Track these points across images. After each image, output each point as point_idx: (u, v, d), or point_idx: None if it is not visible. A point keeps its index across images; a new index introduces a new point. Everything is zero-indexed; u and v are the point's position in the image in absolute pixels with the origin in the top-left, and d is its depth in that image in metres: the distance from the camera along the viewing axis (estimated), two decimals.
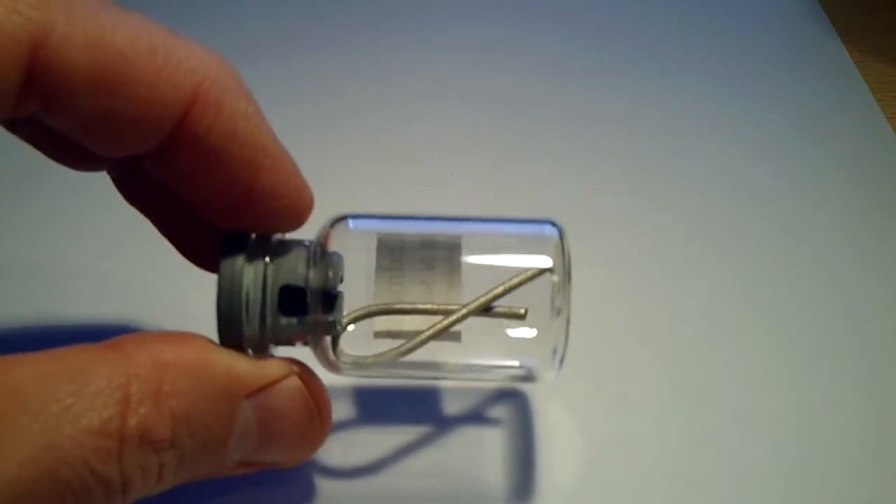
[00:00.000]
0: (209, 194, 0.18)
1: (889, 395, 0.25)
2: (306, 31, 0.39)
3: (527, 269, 0.20)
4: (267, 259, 0.18)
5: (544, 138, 0.34)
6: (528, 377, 0.21)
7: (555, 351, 0.20)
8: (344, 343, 0.19)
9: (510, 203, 0.31)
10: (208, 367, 0.16)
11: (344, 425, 0.23)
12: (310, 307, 0.18)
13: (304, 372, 0.18)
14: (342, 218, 0.20)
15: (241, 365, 0.17)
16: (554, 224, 0.21)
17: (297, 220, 0.18)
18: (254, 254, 0.18)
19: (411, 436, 0.23)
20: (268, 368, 0.17)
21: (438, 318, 0.19)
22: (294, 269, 0.18)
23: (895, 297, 0.28)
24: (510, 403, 0.24)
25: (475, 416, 0.24)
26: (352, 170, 0.32)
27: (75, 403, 0.14)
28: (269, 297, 0.18)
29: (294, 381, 0.17)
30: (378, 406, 0.24)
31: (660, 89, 0.37)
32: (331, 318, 0.18)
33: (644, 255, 0.29)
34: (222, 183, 0.17)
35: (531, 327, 0.20)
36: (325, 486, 0.22)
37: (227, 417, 0.16)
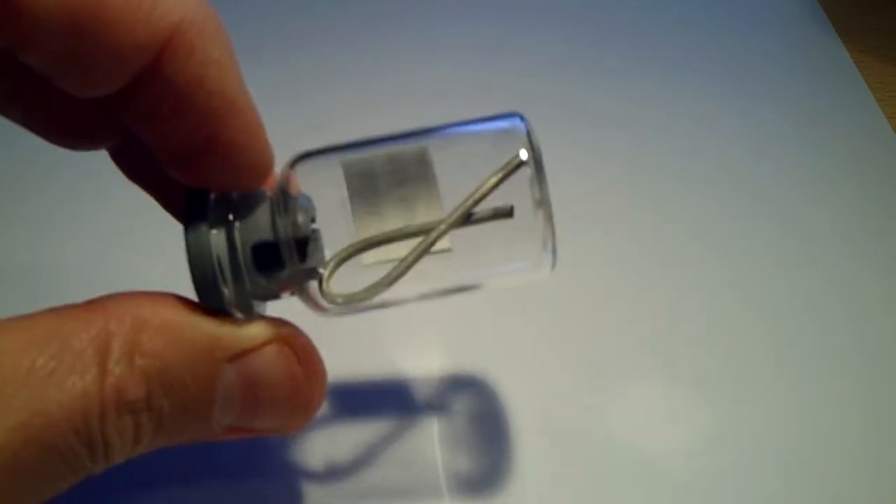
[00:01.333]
0: (170, 141, 0.17)
1: (889, 395, 0.25)
2: (306, 31, 0.39)
3: (501, 167, 0.19)
4: (231, 217, 0.17)
5: (544, 138, 0.34)
6: (524, 275, 0.21)
7: (544, 243, 0.19)
8: (333, 281, 0.18)
9: (507, 200, 0.31)
10: (188, 328, 0.15)
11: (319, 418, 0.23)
12: (285, 259, 0.17)
13: (292, 335, 0.17)
14: (301, 157, 0.19)
15: (222, 328, 0.16)
16: (521, 117, 0.20)
17: (257, 179, 0.18)
18: (217, 215, 0.17)
19: (380, 426, 0.23)
20: (250, 333, 0.16)
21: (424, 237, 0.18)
22: (261, 224, 0.17)
23: (895, 297, 0.28)
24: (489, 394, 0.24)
25: (443, 406, 0.24)
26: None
27: (58, 367, 0.14)
28: (241, 260, 0.17)
29: (279, 347, 0.17)
30: (348, 396, 0.24)
31: (660, 89, 0.37)
32: (310, 264, 0.18)
33: (643, 254, 0.29)
34: (184, 131, 0.17)
35: (517, 225, 0.19)
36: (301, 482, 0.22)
37: (206, 380, 0.16)
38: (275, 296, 0.18)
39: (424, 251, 0.18)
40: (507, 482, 0.22)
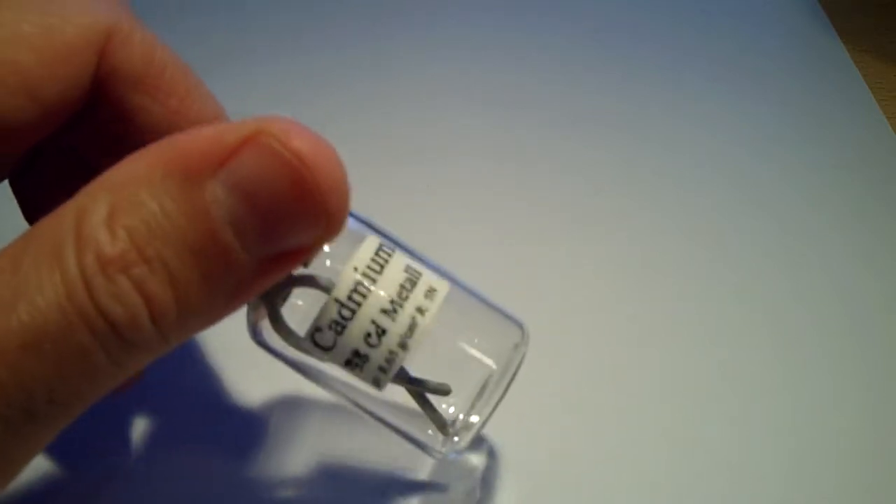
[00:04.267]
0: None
1: (888, 395, 0.25)
2: (306, 31, 0.39)
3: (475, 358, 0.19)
4: None
5: (544, 138, 0.34)
6: (426, 447, 0.20)
7: (453, 437, 0.19)
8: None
9: (509, 202, 0.31)
10: (156, 164, 0.14)
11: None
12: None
13: (266, 123, 0.14)
14: None
15: (196, 143, 0.14)
16: (521, 327, 0.20)
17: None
18: None
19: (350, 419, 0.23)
20: (227, 135, 0.14)
21: None
22: None
23: (894, 297, 0.28)
24: None
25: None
26: (350, 169, 0.31)
27: (37, 258, 0.13)
28: None
29: (265, 139, 0.14)
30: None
31: (659, 89, 0.37)
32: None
33: (643, 254, 0.29)
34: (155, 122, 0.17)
35: (450, 406, 0.19)
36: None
37: (196, 209, 0.14)
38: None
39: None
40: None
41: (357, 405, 0.20)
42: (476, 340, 0.19)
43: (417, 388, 0.18)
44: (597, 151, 0.33)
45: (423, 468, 0.23)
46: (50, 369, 0.13)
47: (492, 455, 0.23)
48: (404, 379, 0.18)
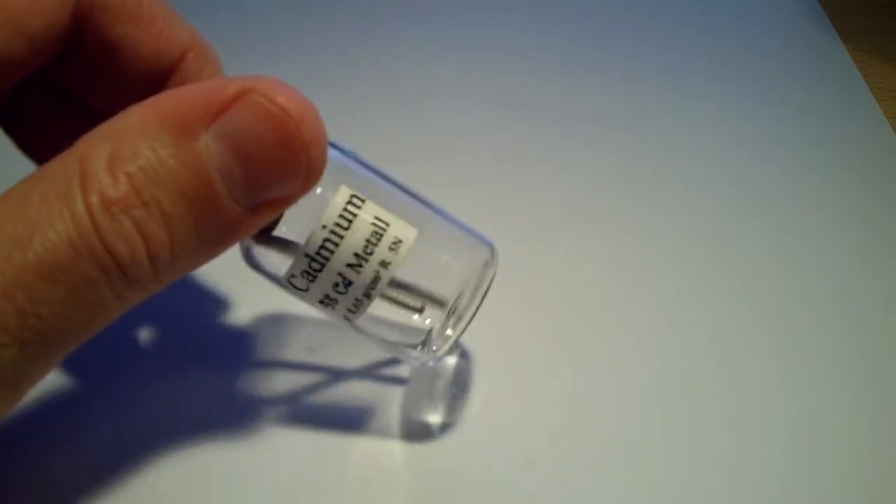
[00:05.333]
0: (114, 76, 0.18)
1: (888, 395, 0.25)
2: (306, 31, 0.39)
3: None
4: None
5: (544, 137, 0.34)
6: (407, 357, 0.22)
7: (427, 344, 0.21)
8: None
9: (509, 202, 0.31)
10: (153, 116, 0.15)
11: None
12: None
13: (266, 84, 0.16)
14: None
15: (191, 98, 0.15)
16: (491, 248, 0.22)
17: (202, 74, 0.19)
18: None
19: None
20: (220, 91, 0.16)
21: None
22: None
23: (894, 297, 0.28)
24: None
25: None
26: None
27: (46, 194, 0.14)
28: None
29: (253, 97, 0.16)
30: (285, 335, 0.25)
31: (660, 89, 0.37)
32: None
33: (643, 254, 0.29)
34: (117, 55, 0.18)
35: (423, 317, 0.21)
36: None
37: (191, 158, 0.15)
38: None
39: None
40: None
41: (342, 320, 0.21)
42: (448, 259, 0.21)
43: (410, 292, 0.20)
44: (596, 151, 0.33)
45: (403, 368, 0.25)
46: (64, 299, 0.14)
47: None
48: (396, 285, 0.20)
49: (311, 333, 0.26)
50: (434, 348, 0.22)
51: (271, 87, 0.16)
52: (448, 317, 0.21)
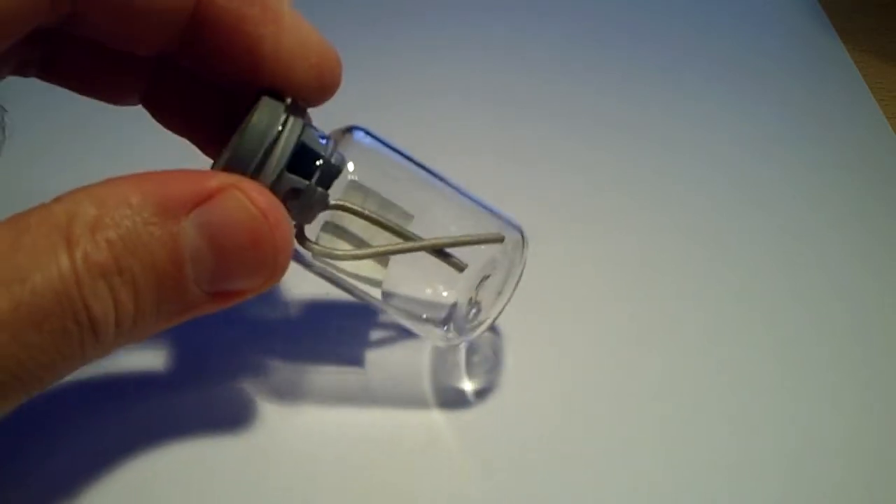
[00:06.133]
0: (239, 67, 0.19)
1: (888, 395, 0.25)
2: None
3: (488, 235, 0.22)
4: (294, 118, 0.19)
5: (544, 137, 0.34)
6: (440, 337, 0.23)
7: (466, 318, 0.22)
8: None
9: (509, 201, 0.31)
10: (141, 191, 0.16)
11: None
12: (314, 174, 0.19)
13: (248, 185, 0.17)
14: (357, 129, 0.22)
15: (175, 183, 0.16)
16: (521, 232, 0.23)
17: (330, 80, 0.20)
18: (288, 109, 0.19)
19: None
20: (204, 182, 0.16)
21: (392, 240, 0.21)
22: (314, 136, 0.19)
23: (894, 297, 0.28)
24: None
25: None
26: None
27: (32, 247, 0.15)
28: (285, 144, 0.18)
29: (236, 193, 0.17)
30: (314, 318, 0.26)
31: (659, 89, 0.37)
32: (323, 191, 0.19)
33: (643, 254, 0.29)
34: (248, 52, 0.19)
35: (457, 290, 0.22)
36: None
37: (168, 238, 0.16)
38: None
39: (394, 251, 0.21)
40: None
41: (376, 306, 0.23)
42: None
43: (470, 243, 0.22)
44: (597, 151, 0.33)
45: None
46: (45, 346, 0.15)
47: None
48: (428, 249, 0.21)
49: (340, 315, 0.26)
50: (460, 328, 0.22)
51: (252, 187, 0.17)
52: (472, 299, 0.22)
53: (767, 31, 0.41)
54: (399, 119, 0.34)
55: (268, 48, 0.19)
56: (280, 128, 0.18)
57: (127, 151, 0.31)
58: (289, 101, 0.19)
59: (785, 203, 0.31)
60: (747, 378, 0.25)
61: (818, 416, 0.24)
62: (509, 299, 0.22)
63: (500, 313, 0.22)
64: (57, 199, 0.16)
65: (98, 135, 0.32)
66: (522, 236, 0.23)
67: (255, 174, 0.18)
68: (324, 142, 0.20)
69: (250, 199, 0.17)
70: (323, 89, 0.20)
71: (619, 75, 0.37)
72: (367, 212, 0.21)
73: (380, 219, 0.21)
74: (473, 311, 0.22)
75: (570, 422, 0.24)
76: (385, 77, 0.37)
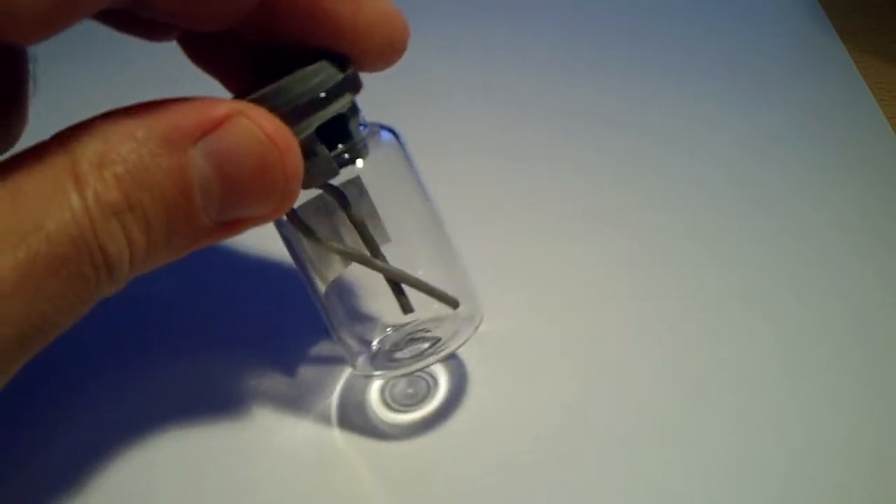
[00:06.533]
0: (309, 38, 0.19)
1: (889, 395, 0.25)
2: None
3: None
4: (349, 92, 0.19)
5: (544, 137, 0.34)
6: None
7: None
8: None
9: (508, 201, 0.31)
10: (146, 124, 0.15)
11: None
12: (337, 149, 0.19)
13: (256, 111, 0.17)
14: (386, 129, 0.22)
15: (180, 112, 0.16)
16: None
17: (398, 50, 0.21)
18: (346, 80, 0.19)
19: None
20: (210, 110, 0.16)
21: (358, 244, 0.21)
22: (357, 119, 0.20)
23: (894, 297, 0.28)
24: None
25: None
26: None
27: (41, 192, 0.15)
28: (330, 106, 0.19)
29: (244, 120, 0.16)
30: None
31: (659, 89, 0.37)
32: (336, 168, 0.19)
33: (643, 254, 0.29)
34: (322, 26, 0.18)
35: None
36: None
37: (176, 169, 0.16)
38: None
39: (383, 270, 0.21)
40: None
41: (316, 292, 0.22)
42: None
43: (429, 292, 0.21)
44: (596, 151, 0.33)
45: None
46: (63, 293, 0.15)
47: None
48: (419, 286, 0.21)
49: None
50: (378, 361, 0.23)
51: (261, 114, 0.17)
52: (400, 343, 0.22)
53: (767, 31, 0.41)
54: (399, 119, 0.34)
55: (345, 23, 0.19)
56: (332, 89, 0.18)
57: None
58: (350, 72, 0.19)
59: (785, 203, 0.31)
60: (747, 377, 0.25)
61: (819, 415, 0.24)
62: (431, 363, 0.22)
63: (414, 371, 0.23)
64: (56, 137, 0.15)
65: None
66: (478, 319, 0.22)
67: (287, 116, 0.17)
68: (362, 128, 0.20)
69: (258, 125, 0.16)
70: (388, 59, 0.20)
71: (619, 75, 0.37)
72: (354, 213, 0.21)
73: (363, 226, 0.21)
74: (399, 352, 0.23)
75: (569, 422, 0.24)
76: (385, 77, 0.36)
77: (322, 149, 0.19)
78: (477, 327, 0.22)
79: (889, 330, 0.27)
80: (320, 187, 0.20)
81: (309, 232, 0.20)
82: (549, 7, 0.41)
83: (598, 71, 0.37)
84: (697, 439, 0.23)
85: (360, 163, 0.20)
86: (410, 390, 0.24)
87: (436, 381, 0.25)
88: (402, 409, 0.24)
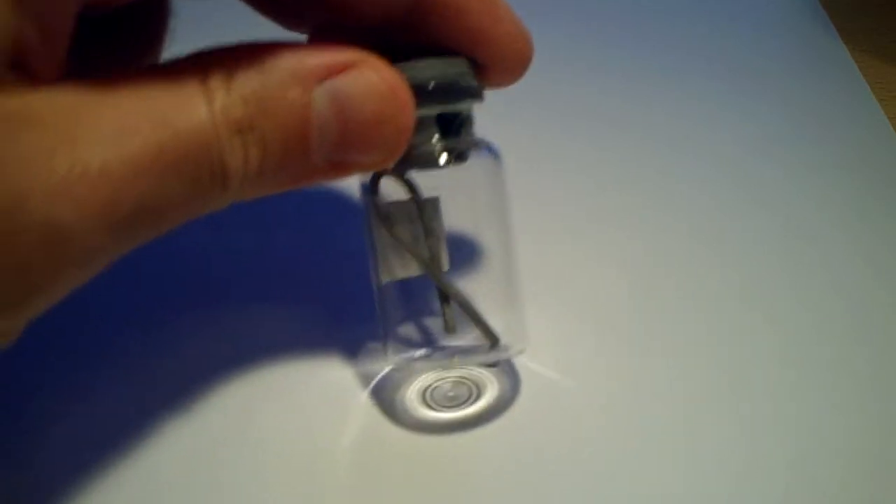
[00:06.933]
0: (441, 41, 0.20)
1: (891, 394, 0.25)
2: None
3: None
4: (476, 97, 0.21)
5: (544, 137, 0.34)
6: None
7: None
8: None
9: (509, 202, 0.31)
10: (278, 56, 0.16)
11: None
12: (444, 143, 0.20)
13: (383, 64, 0.18)
14: (487, 146, 0.23)
15: (310, 52, 0.17)
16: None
17: (526, 62, 0.23)
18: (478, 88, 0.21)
19: None
20: (339, 55, 0.17)
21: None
22: (472, 124, 0.21)
23: (895, 297, 0.28)
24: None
25: None
26: None
27: (173, 97, 0.15)
28: (462, 98, 0.20)
29: (370, 70, 0.17)
30: None
31: (660, 89, 0.37)
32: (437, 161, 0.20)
33: (644, 254, 0.29)
34: (465, 32, 0.20)
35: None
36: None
37: (299, 103, 0.16)
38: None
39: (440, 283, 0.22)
40: None
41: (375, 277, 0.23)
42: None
43: (476, 320, 0.22)
44: (597, 151, 0.33)
45: None
46: (179, 191, 0.16)
47: None
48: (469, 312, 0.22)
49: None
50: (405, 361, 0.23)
51: (386, 67, 0.17)
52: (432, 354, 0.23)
53: (768, 31, 0.41)
54: None
55: (485, 33, 0.20)
56: (465, 85, 0.20)
57: None
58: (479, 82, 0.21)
59: (785, 202, 0.31)
60: (748, 377, 0.25)
61: (819, 415, 0.24)
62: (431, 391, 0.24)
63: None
64: (190, 56, 0.16)
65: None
66: (516, 353, 0.23)
67: (416, 89, 0.18)
68: (475, 138, 0.21)
69: (383, 77, 0.17)
70: (515, 73, 0.22)
71: (620, 75, 0.37)
72: (429, 225, 0.22)
73: (434, 240, 0.22)
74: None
75: (568, 422, 0.24)
76: None
77: (434, 134, 0.20)
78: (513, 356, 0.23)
79: (890, 330, 0.27)
80: (408, 190, 0.21)
81: (389, 222, 0.21)
82: (550, 7, 0.41)
83: (598, 71, 0.38)
84: (697, 438, 0.23)
85: (460, 166, 0.21)
86: (452, 393, 0.24)
87: (479, 388, 0.24)
88: (441, 409, 0.24)
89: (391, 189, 0.22)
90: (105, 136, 0.15)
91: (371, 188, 0.21)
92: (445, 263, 0.22)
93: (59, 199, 0.14)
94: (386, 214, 0.21)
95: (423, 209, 0.22)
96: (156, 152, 0.15)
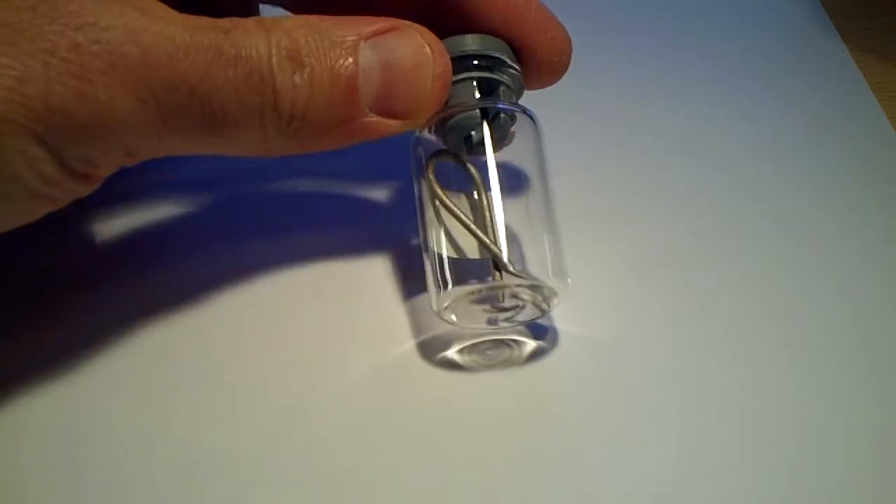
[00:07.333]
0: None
1: (891, 396, 0.25)
2: None
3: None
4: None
5: (544, 136, 0.34)
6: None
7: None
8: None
9: (508, 202, 0.31)
10: (329, 20, 0.19)
11: None
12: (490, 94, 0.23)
13: (424, 29, 0.20)
14: (528, 112, 0.25)
15: (361, 20, 0.19)
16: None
17: (566, 63, 0.26)
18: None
19: None
20: (385, 21, 0.20)
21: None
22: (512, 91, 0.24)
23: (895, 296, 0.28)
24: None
25: None
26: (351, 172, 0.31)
27: (235, 24, 0.18)
28: (504, 71, 0.23)
29: (414, 32, 0.20)
30: None
31: (660, 89, 0.37)
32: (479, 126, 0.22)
33: (645, 254, 0.29)
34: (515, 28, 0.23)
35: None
36: None
37: (352, 51, 0.19)
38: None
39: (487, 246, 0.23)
40: None
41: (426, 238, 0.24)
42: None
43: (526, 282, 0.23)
44: (597, 151, 0.33)
45: None
46: (234, 86, 0.18)
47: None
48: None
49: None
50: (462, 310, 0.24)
51: (428, 32, 0.20)
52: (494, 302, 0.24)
53: (768, 31, 0.41)
54: None
55: (535, 36, 0.24)
56: (504, 56, 0.22)
57: None
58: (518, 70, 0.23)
59: (785, 202, 0.31)
60: (749, 377, 0.25)
61: (820, 415, 0.24)
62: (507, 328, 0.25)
63: (488, 334, 0.25)
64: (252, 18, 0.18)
65: None
66: (558, 293, 0.24)
67: (460, 61, 0.21)
68: (514, 109, 0.24)
69: (423, 34, 0.20)
70: (556, 71, 0.26)
71: (620, 75, 0.37)
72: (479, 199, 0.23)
73: (477, 217, 0.23)
74: (482, 308, 0.24)
75: (569, 421, 0.24)
76: None
77: (475, 94, 0.22)
78: (550, 301, 0.24)
79: (891, 329, 0.27)
80: (464, 168, 0.23)
81: (449, 207, 0.23)
82: (550, 7, 0.41)
83: (598, 71, 0.37)
84: (698, 438, 0.23)
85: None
86: (491, 352, 0.25)
87: (520, 347, 0.25)
88: (479, 366, 0.25)
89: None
90: (174, 20, 0.17)
91: (426, 167, 0.23)
92: (503, 248, 0.23)
93: (137, 36, 0.16)
94: (441, 197, 0.23)
95: (480, 189, 0.23)
96: (215, 47, 0.17)
